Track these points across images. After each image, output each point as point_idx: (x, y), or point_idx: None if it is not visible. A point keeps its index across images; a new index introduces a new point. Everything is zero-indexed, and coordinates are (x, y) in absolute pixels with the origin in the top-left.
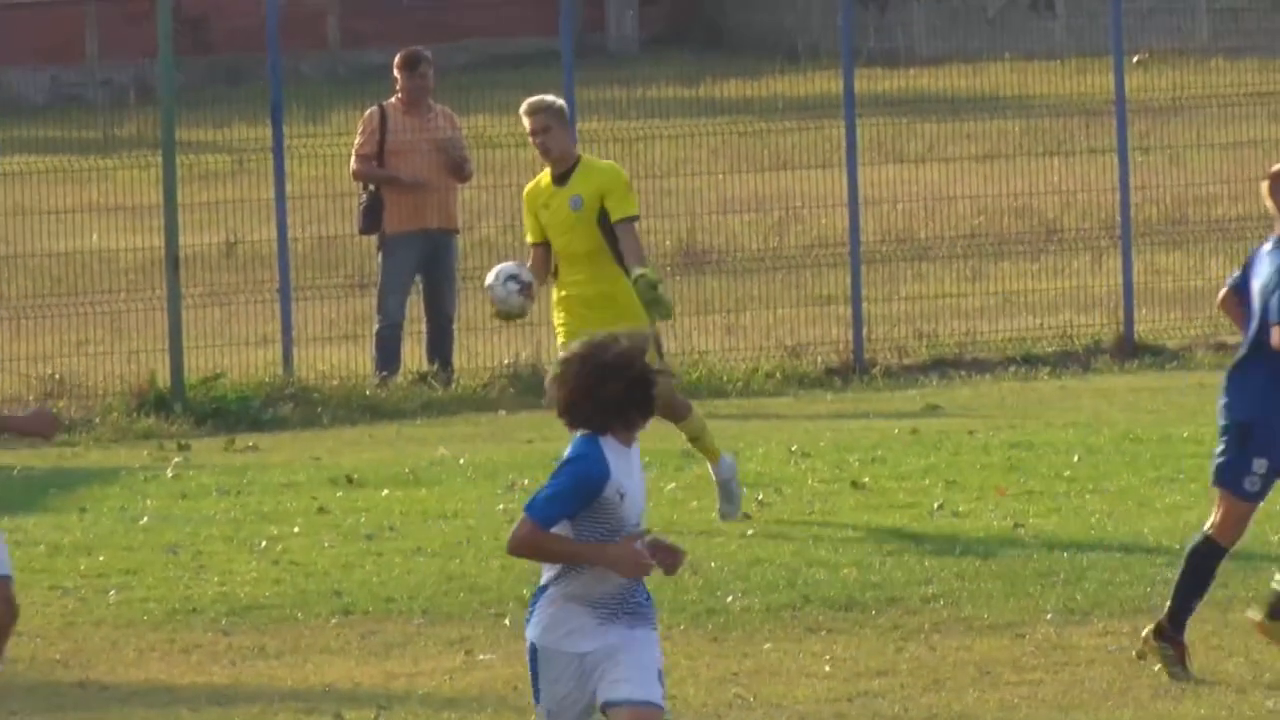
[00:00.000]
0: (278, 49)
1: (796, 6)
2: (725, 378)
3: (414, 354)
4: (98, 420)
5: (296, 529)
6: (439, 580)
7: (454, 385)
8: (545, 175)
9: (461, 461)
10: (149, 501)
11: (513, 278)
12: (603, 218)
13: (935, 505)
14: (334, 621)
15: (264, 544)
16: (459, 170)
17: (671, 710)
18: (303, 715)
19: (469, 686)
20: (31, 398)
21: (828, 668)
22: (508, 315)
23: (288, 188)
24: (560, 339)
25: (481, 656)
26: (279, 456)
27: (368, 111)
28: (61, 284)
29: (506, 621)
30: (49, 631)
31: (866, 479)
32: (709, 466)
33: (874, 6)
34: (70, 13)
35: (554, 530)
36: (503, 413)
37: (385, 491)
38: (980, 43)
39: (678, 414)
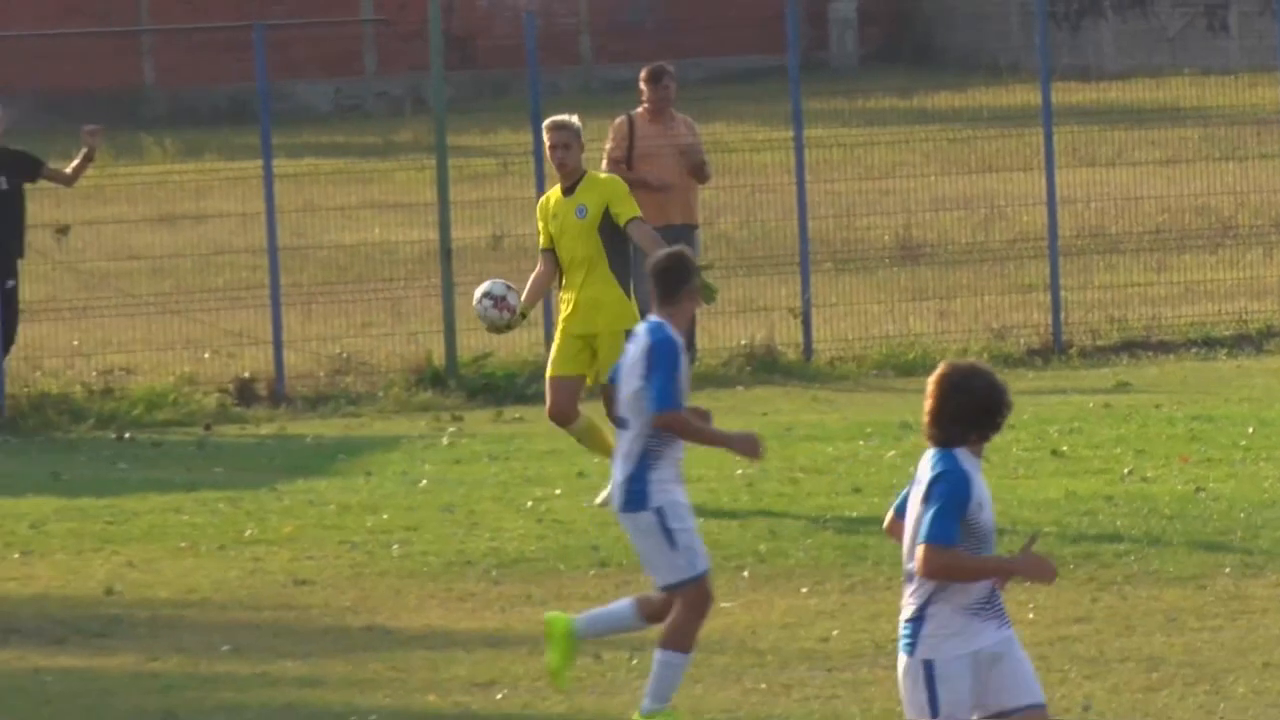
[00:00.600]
0: (537, 65)
1: (998, 27)
2: (938, 357)
3: None
4: (381, 394)
5: (558, 491)
6: None
7: (696, 364)
8: (556, 190)
9: None
10: (427, 466)
11: (486, 295)
12: (604, 226)
13: (1125, 471)
14: (592, 573)
15: (529, 504)
16: (699, 172)
17: (891, 652)
18: None
19: (711, 631)
20: (321, 374)
21: (1031, 615)
22: (492, 328)
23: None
24: (557, 340)
25: (724, 605)
26: (542, 426)
27: (617, 120)
28: (347, 272)
29: (745, 574)
30: (339, 581)
31: (1064, 447)
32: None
33: (1067, 26)
34: (351, 31)
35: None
36: (740, 388)
37: None
38: (1162, 59)
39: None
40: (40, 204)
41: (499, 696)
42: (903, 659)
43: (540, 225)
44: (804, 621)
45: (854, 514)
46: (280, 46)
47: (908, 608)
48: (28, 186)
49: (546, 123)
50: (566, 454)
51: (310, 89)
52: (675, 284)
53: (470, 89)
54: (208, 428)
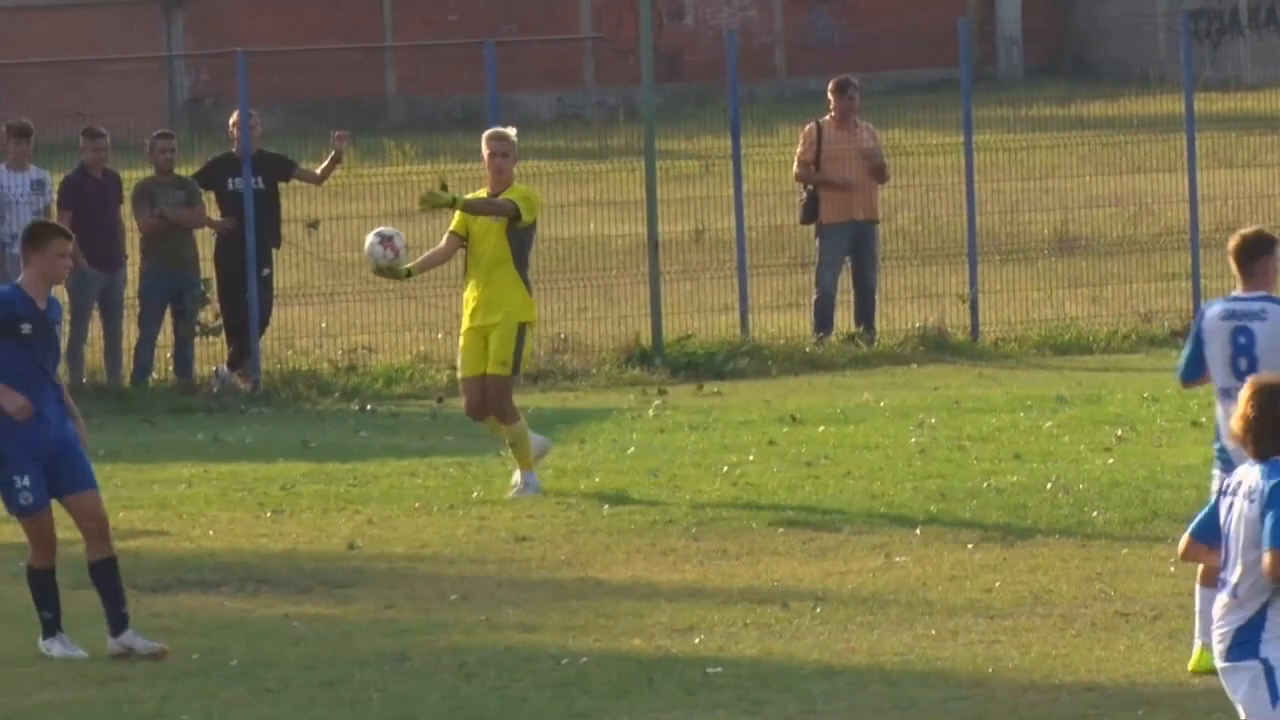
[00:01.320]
0: (736, 77)
1: (1147, 43)
2: (1091, 339)
3: (844, 319)
4: (594, 371)
5: (751, 457)
6: (864, 499)
7: (875, 344)
8: (484, 193)
9: (882, 404)
10: (634, 435)
11: (378, 232)
12: (513, 231)
13: None
14: (780, 531)
15: (725, 469)
16: (879, 173)
17: (1048, 602)
18: (756, 605)
19: (888, 583)
20: (541, 352)
21: (1172, 569)
22: (374, 266)
23: (744, 187)
24: (463, 340)
25: (898, 559)
26: (737, 400)
27: (807, 126)
28: (565, 263)
29: (917, 531)
30: (556, 537)
31: (1203, 419)
32: (517, 473)
33: (1209, 42)
34: (572, 47)
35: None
36: (914, 366)
37: (821, 428)
38: None
39: (507, 418)
40: (293, 201)
41: (696, 641)
42: (1231, 663)
43: (458, 214)
44: (969, 574)
45: (1015, 478)
46: (508, 60)
47: (1237, 612)
48: (282, 185)
49: (488, 134)
50: (759, 424)
51: (535, 99)
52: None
53: (677, 99)
54: (440, 400)
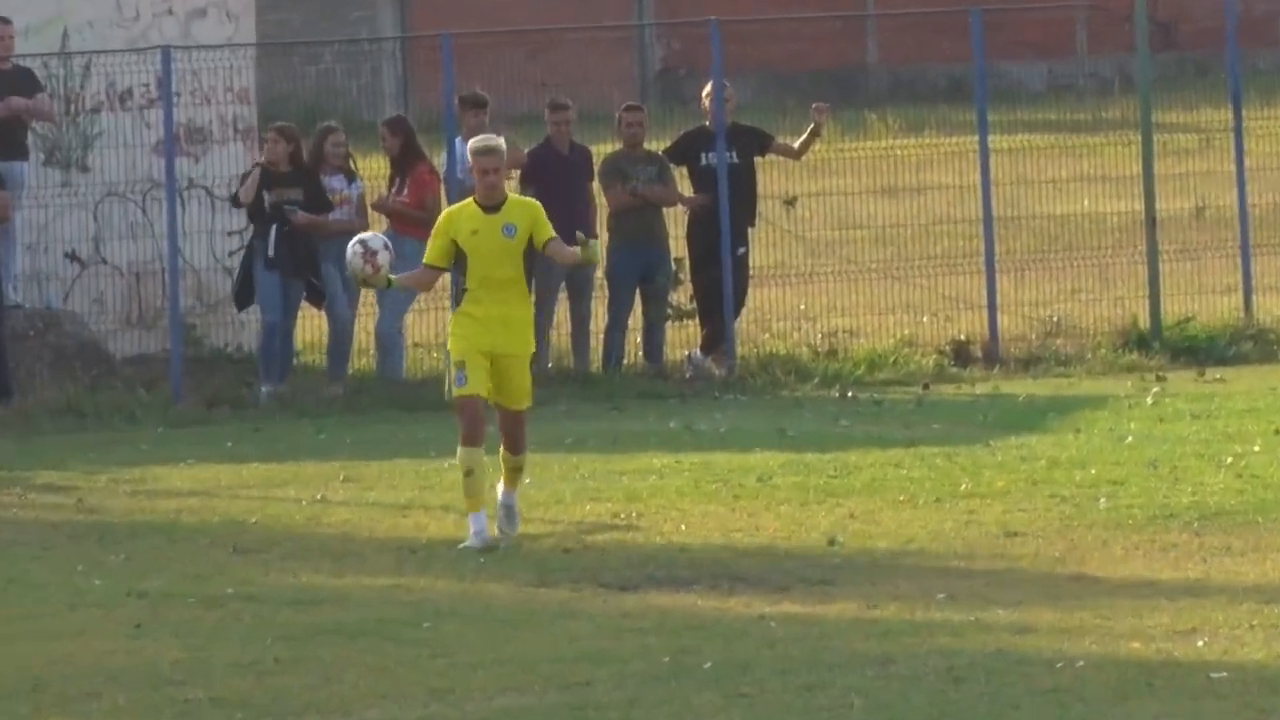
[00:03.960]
0: (1236, 46)
1: None
2: None
3: None
4: (1089, 356)
5: (1256, 447)
6: None
7: None
8: (470, 206)
9: None
10: (1132, 424)
11: (360, 241)
12: (527, 248)
13: None
14: None
15: (1229, 460)
16: None
17: None
18: (1263, 605)
19: None
20: (1033, 336)
21: None
22: (353, 275)
23: (1246, 162)
24: (454, 354)
25: None
26: (1241, 386)
27: None
28: (1057, 241)
29: None
30: (1049, 533)
31: None
32: (500, 488)
33: None
34: (1063, 15)
35: None
36: None
37: None
38: None
39: (518, 447)
40: (770, 176)
41: (1200, 644)
42: None
43: (439, 241)
44: None
45: None
46: (996, 29)
47: None
48: (758, 160)
49: (474, 147)
50: (1264, 412)
51: (1023, 69)
52: None
53: (1173, 69)
54: (926, 386)
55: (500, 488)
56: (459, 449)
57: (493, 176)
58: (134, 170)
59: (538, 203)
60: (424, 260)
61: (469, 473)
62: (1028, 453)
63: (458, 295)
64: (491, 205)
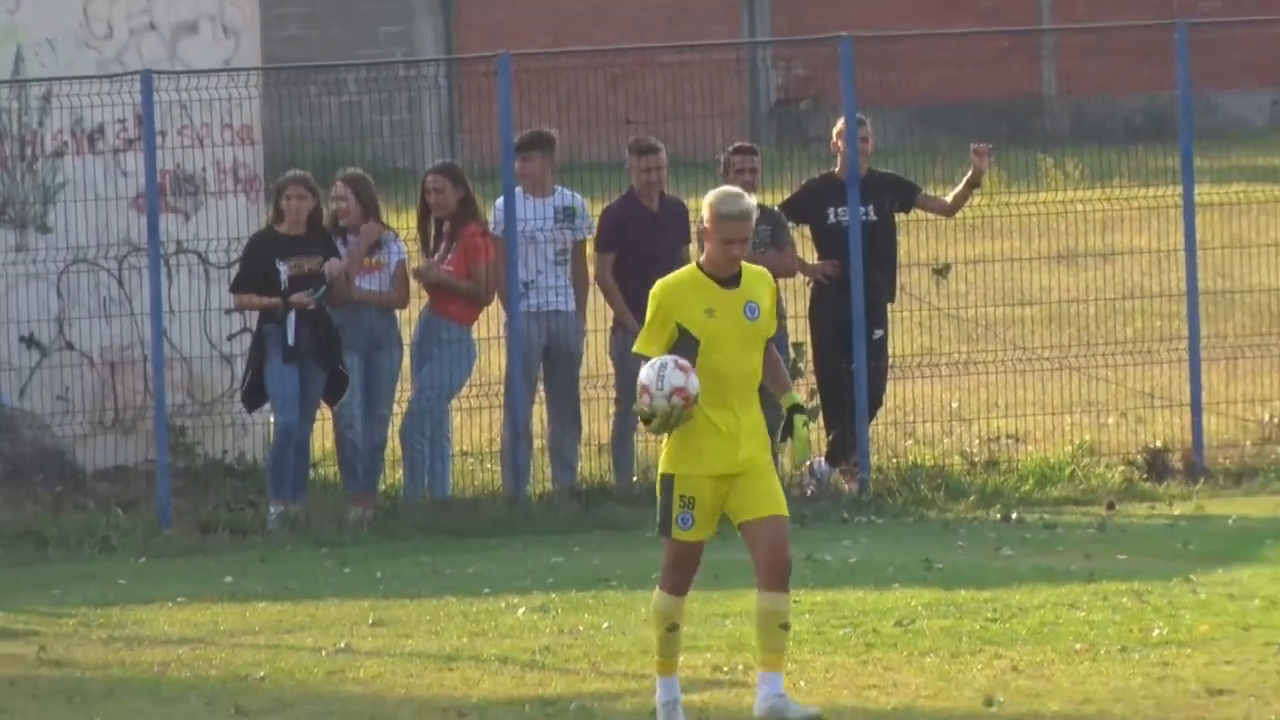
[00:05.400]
0: None
1: None
2: None
3: None
4: None
5: None
6: None
7: None
8: (690, 273)
9: None
10: None
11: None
12: (768, 340)
13: None
14: None
15: None
16: None
17: None
18: None
19: None
20: (1248, 442)
21: None
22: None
23: None
24: (680, 483)
25: None
26: None
27: None
28: None
29: None
30: (1264, 690)
31: None
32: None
33: None
34: None
35: None
36: None
37: None
38: None
39: (784, 573)
40: (915, 238)
41: None
42: None
43: (660, 328)
44: None
45: None
46: (1206, 50)
47: None
48: (900, 217)
49: (728, 211)
50: None
51: (1242, 100)
52: None
53: None
54: (1111, 506)
55: (761, 676)
56: (661, 596)
57: (739, 248)
58: (107, 231)
59: (768, 273)
60: (635, 352)
61: (672, 628)
62: (1239, 590)
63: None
64: (731, 277)
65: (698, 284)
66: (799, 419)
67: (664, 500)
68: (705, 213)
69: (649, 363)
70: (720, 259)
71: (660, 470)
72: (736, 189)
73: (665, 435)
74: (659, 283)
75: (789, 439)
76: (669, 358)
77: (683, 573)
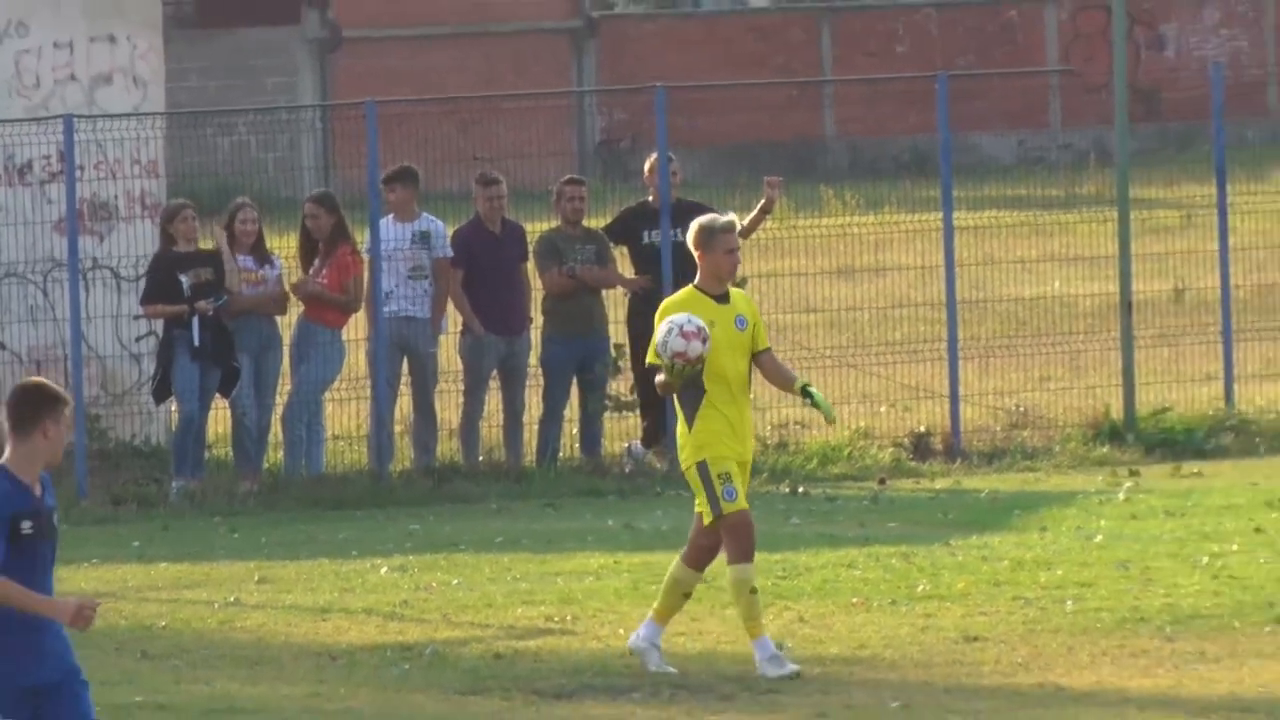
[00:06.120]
0: (1222, 116)
1: None
2: None
3: None
4: (1057, 449)
5: (1234, 546)
6: None
7: None
8: (689, 293)
9: None
10: (1102, 522)
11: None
12: (753, 351)
13: None
14: (1267, 630)
15: (1205, 560)
16: None
17: None
18: (1237, 714)
19: None
20: (998, 428)
21: None
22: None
23: (1230, 240)
24: (715, 465)
25: None
26: (1220, 482)
27: None
28: (1025, 326)
29: None
30: (1012, 638)
31: None
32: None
33: None
34: (1036, 83)
35: None
36: None
37: None
38: None
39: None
40: None
41: None
42: None
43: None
44: None
45: None
46: (963, 97)
47: None
48: None
49: (720, 225)
50: (1243, 509)
51: (993, 141)
52: None
53: (1154, 141)
54: (882, 481)
55: (647, 621)
56: (739, 567)
57: (737, 253)
58: (34, 249)
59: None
60: (648, 361)
61: (754, 590)
62: (990, 553)
63: (697, 397)
64: (723, 294)
65: (697, 301)
66: (814, 392)
67: (706, 486)
68: (696, 238)
69: (661, 325)
70: (724, 268)
71: (689, 463)
72: (711, 214)
73: (674, 395)
74: (665, 302)
75: (816, 407)
76: (676, 322)
77: (751, 540)
